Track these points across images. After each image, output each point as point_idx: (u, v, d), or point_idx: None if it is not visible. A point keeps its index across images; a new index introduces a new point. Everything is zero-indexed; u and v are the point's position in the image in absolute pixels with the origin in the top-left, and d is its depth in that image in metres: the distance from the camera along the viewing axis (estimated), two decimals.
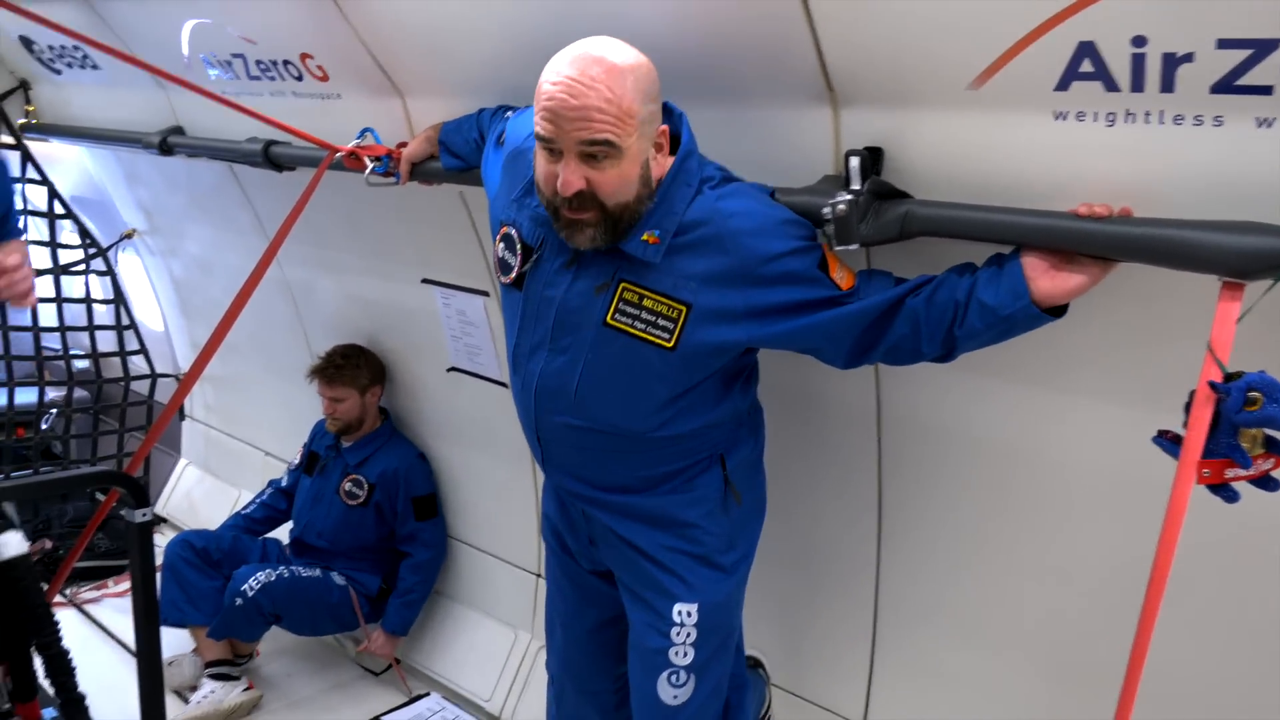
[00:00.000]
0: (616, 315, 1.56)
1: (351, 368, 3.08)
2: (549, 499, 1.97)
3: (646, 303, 1.54)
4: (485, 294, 2.73)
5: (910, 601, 2.10)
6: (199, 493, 4.32)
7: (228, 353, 4.14)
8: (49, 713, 2.67)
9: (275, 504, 3.34)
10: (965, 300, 1.42)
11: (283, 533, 3.39)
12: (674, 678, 1.75)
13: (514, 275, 1.67)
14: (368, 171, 2.20)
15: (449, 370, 3.02)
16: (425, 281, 2.88)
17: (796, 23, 1.52)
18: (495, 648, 3.14)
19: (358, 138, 2.22)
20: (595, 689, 2.03)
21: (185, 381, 2.54)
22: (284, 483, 3.36)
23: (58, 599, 3.34)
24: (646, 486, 1.71)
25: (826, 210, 1.45)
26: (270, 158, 2.58)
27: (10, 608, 2.47)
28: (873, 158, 1.50)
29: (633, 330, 1.56)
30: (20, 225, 2.33)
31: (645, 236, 1.53)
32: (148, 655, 1.97)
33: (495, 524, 3.16)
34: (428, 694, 3.16)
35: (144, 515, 1.95)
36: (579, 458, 1.73)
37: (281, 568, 2.95)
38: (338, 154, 2.21)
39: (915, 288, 1.49)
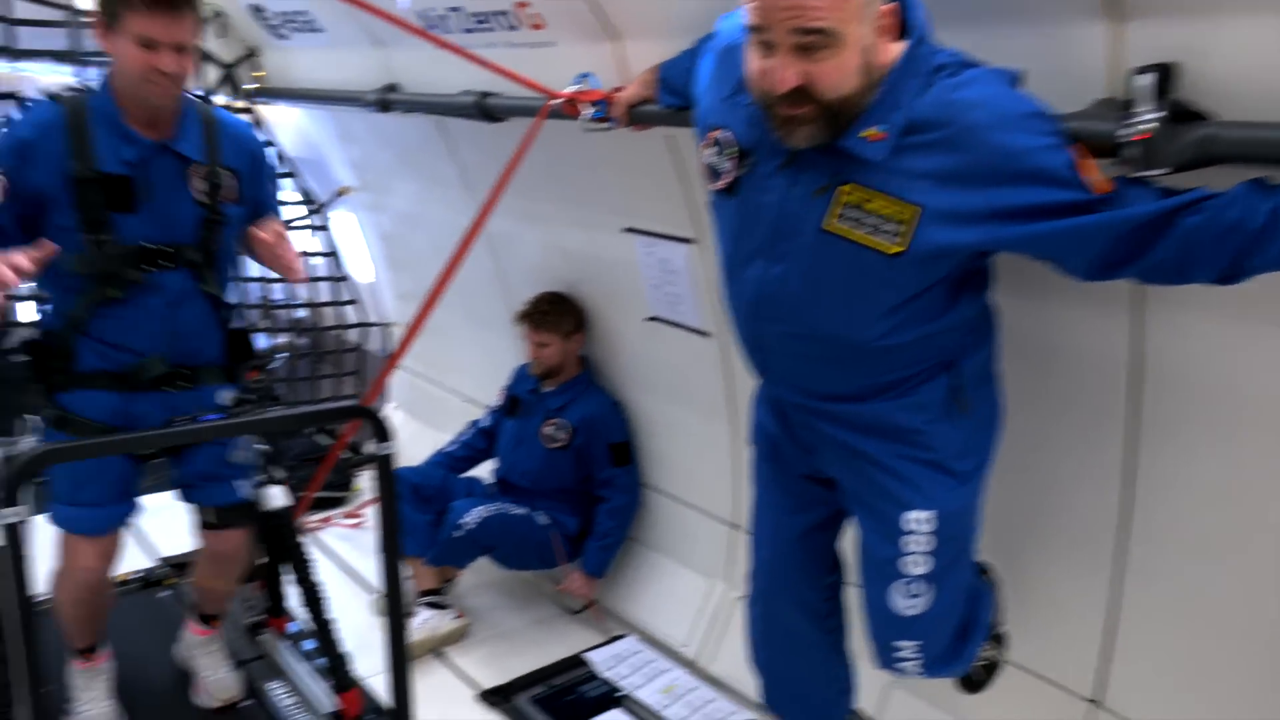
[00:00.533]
0: (837, 220, 1.47)
1: (557, 314, 3.17)
2: (762, 408, 1.91)
3: (871, 205, 1.43)
4: (690, 241, 2.70)
5: (1161, 577, 1.93)
6: (404, 435, 4.58)
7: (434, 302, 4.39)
8: (293, 626, 2.96)
9: (476, 443, 3.49)
10: (1267, 225, 1.24)
11: (481, 471, 3.55)
12: (909, 587, 1.69)
13: (726, 181, 1.60)
14: (583, 117, 2.20)
15: (647, 320, 3.03)
16: (627, 230, 2.88)
17: None
18: (691, 596, 3.17)
19: (574, 83, 2.22)
20: (806, 598, 1.98)
21: (410, 330, 2.69)
22: (484, 423, 3.50)
23: None
24: (869, 395, 1.63)
25: (1124, 132, 1.30)
26: (484, 109, 2.64)
27: (273, 546, 2.75)
28: (1162, 76, 1.34)
29: (855, 235, 1.46)
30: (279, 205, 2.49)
31: (868, 133, 1.42)
32: (391, 579, 2.10)
33: (691, 474, 3.18)
34: (625, 636, 3.25)
35: (386, 448, 2.06)
36: (799, 367, 1.67)
37: (495, 504, 3.10)
38: (555, 100, 2.22)
39: (1191, 204, 1.30)
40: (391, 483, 2.10)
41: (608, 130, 2.22)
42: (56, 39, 3.40)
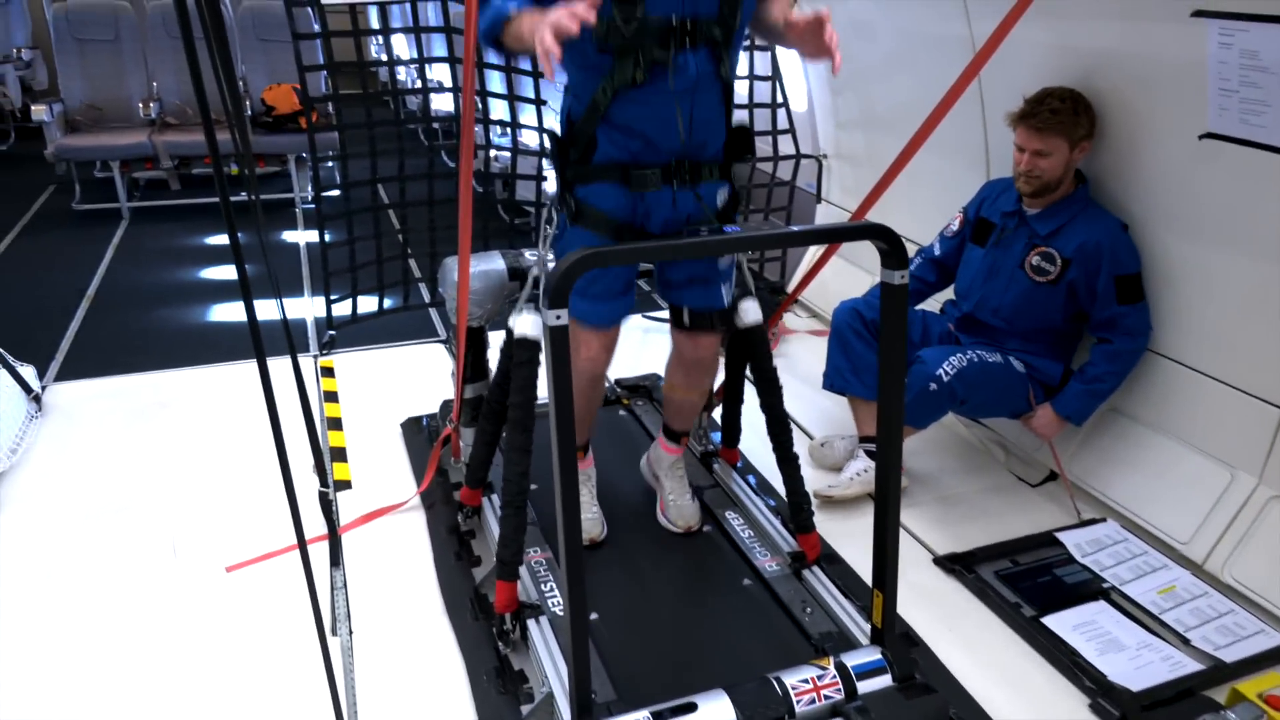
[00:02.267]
0: None
1: (1069, 114, 2.56)
2: None
3: None
4: None
5: None
6: (829, 273, 4.34)
7: (875, 129, 3.97)
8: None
9: (925, 275, 3.09)
10: None
11: (932, 304, 3.17)
12: None
13: None
14: None
15: (1202, 137, 2.36)
16: (1198, 14, 2.21)
17: None
18: (1203, 486, 2.60)
19: None
20: None
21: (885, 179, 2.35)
22: (937, 251, 3.06)
23: None
24: None
25: None
26: None
27: (740, 368, 2.66)
28: None
29: None
30: None
31: None
32: (891, 442, 1.86)
33: (1230, 342, 2.53)
34: (1103, 520, 2.79)
35: (901, 277, 1.78)
36: None
37: (969, 351, 2.71)
38: None
39: None
40: (904, 315, 1.82)
41: None
42: None
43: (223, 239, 5.44)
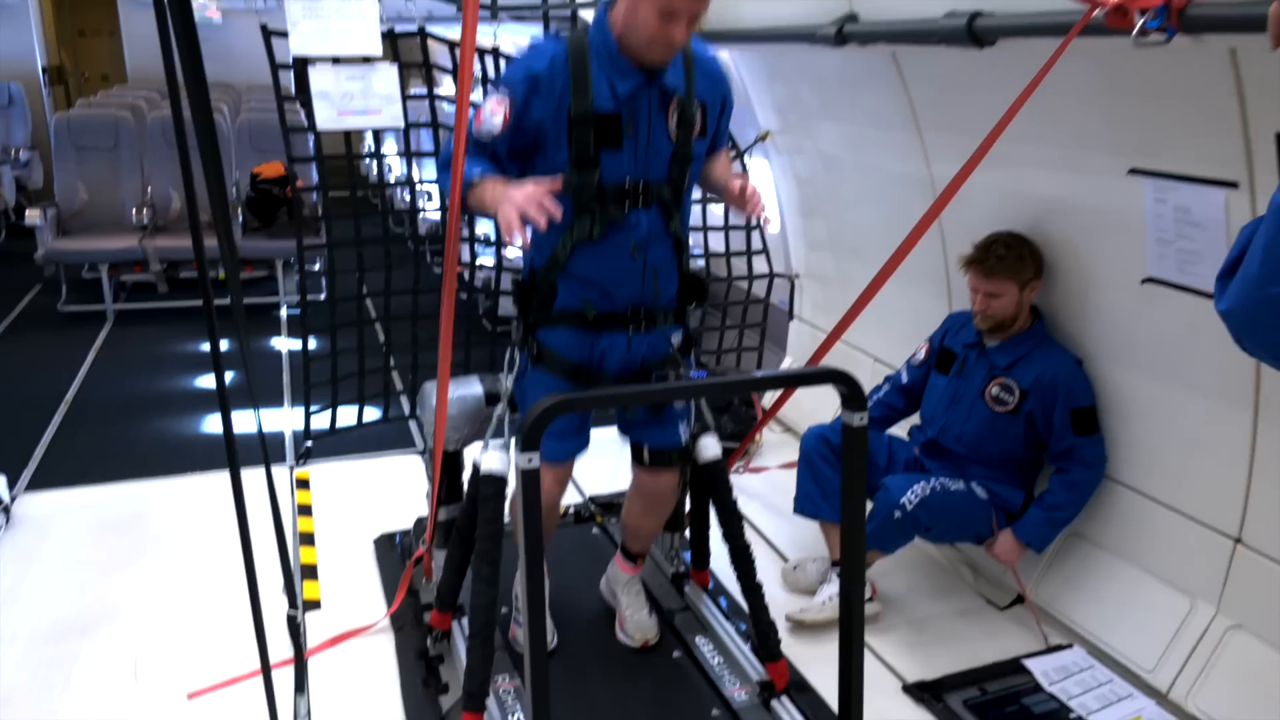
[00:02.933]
0: None
1: (1014, 259, 2.73)
2: None
3: None
4: (1230, 185, 2.15)
5: None
6: (805, 392, 4.45)
7: (843, 253, 4.14)
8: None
9: (894, 402, 3.19)
10: None
11: (898, 429, 3.26)
12: None
13: None
14: (1136, 30, 1.77)
15: (1144, 282, 2.51)
16: (1134, 172, 2.38)
17: None
18: (1161, 612, 2.65)
19: None
20: None
21: (861, 300, 2.49)
22: (904, 379, 3.18)
23: None
24: None
25: None
26: (974, 32, 2.28)
27: (704, 499, 2.72)
28: None
29: None
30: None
31: None
32: (854, 564, 1.91)
33: (1183, 472, 2.62)
34: (1069, 646, 2.81)
35: (860, 419, 1.86)
36: None
37: (932, 479, 2.79)
38: (1101, 9, 1.81)
39: None
40: (863, 458, 1.90)
41: (1165, 44, 1.77)
42: None
43: (205, 345, 5.50)
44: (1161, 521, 2.69)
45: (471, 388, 2.63)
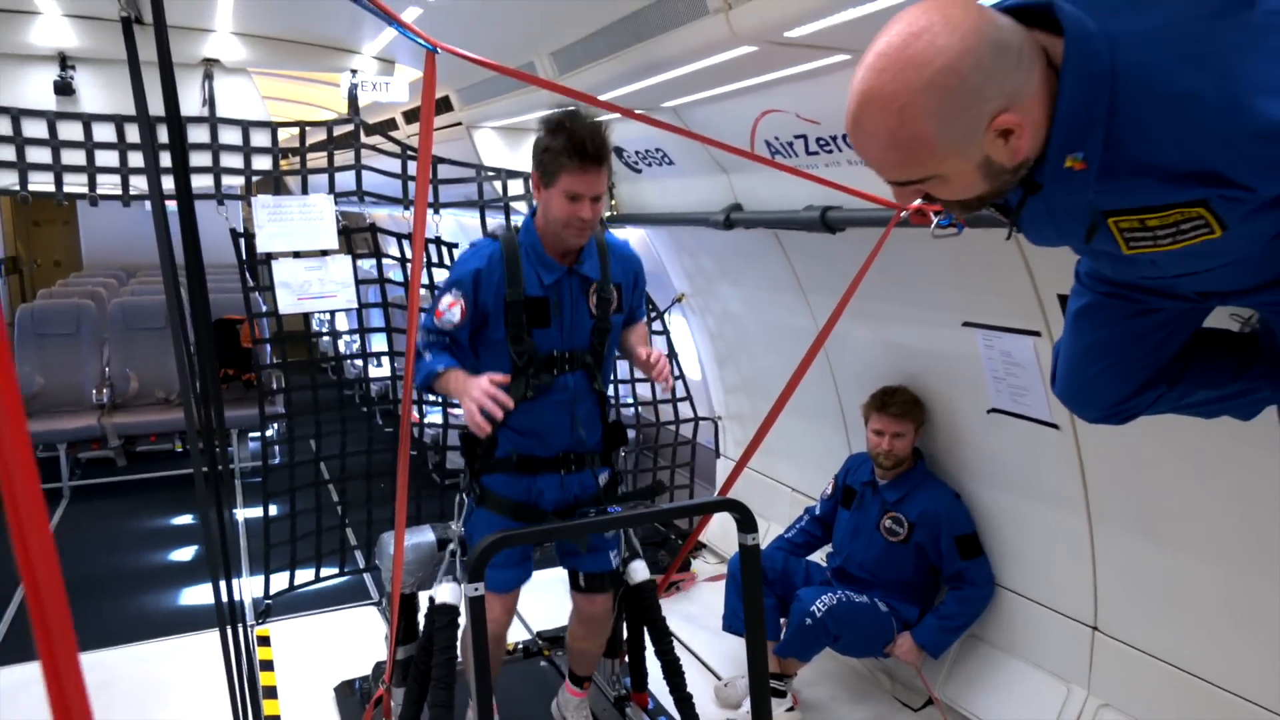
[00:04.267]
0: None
1: (913, 403, 3.24)
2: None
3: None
4: (1035, 334, 2.70)
5: None
6: (730, 524, 4.84)
7: (758, 396, 4.65)
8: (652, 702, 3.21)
9: (812, 530, 3.61)
10: None
11: (817, 557, 3.65)
12: None
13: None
14: (934, 226, 2.33)
15: (989, 411, 3.02)
16: (967, 325, 2.93)
17: None
18: (1043, 698, 3.02)
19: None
20: (1132, 358, 1.73)
21: (762, 429, 2.92)
22: (819, 511, 3.60)
23: None
24: None
25: None
26: (827, 222, 2.86)
27: (637, 620, 3.06)
28: None
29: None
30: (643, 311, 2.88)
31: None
32: (759, 666, 2.27)
33: (1044, 571, 3.06)
34: None
35: (753, 539, 2.27)
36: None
37: (839, 591, 3.18)
38: (906, 211, 2.38)
39: None
40: (758, 572, 2.30)
41: (956, 235, 2.33)
42: (467, 190, 4.20)
43: (164, 518, 5.69)
44: (1036, 617, 3.10)
45: (425, 535, 2.97)
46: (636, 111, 2.55)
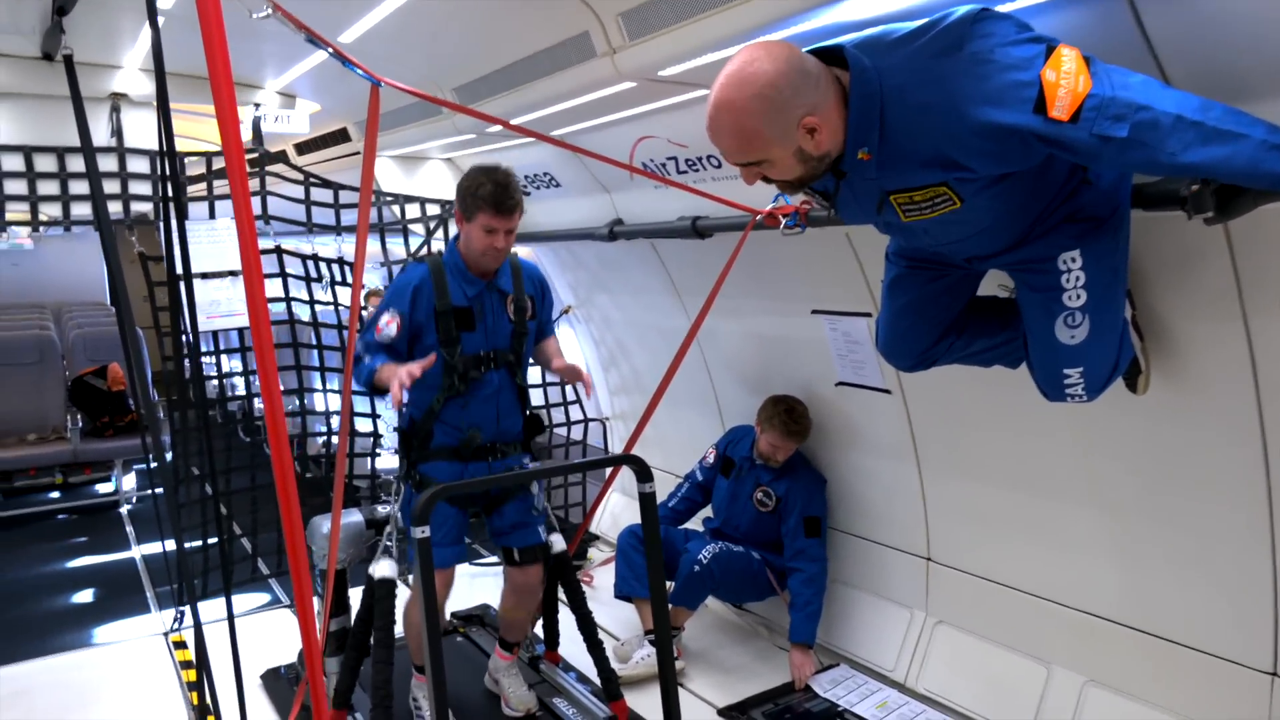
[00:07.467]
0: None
1: (807, 427, 3.71)
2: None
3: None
4: (868, 315, 3.32)
5: None
6: (619, 508, 5.31)
7: (636, 394, 5.16)
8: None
9: (693, 497, 4.08)
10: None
11: (693, 523, 4.16)
12: (1069, 319, 2.01)
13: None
14: (782, 226, 2.91)
15: (837, 385, 3.63)
16: (815, 312, 3.53)
17: None
18: (893, 625, 3.62)
19: (773, 201, 2.94)
20: (930, 315, 2.32)
21: (640, 425, 3.43)
22: (700, 478, 4.08)
23: None
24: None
25: None
26: (697, 229, 3.41)
27: (554, 590, 3.46)
28: None
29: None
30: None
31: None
32: (659, 606, 2.74)
33: (885, 516, 3.67)
34: (838, 665, 3.70)
35: (650, 488, 2.74)
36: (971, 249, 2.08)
37: (720, 544, 3.69)
38: (760, 215, 2.95)
39: None
40: (655, 517, 2.77)
41: (800, 234, 2.91)
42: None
43: (44, 560, 5.62)
44: (881, 556, 3.71)
45: (353, 516, 3.29)
46: (552, 134, 3.03)
